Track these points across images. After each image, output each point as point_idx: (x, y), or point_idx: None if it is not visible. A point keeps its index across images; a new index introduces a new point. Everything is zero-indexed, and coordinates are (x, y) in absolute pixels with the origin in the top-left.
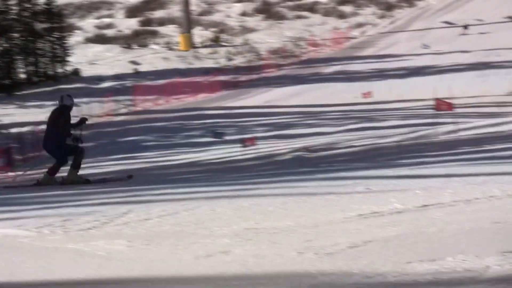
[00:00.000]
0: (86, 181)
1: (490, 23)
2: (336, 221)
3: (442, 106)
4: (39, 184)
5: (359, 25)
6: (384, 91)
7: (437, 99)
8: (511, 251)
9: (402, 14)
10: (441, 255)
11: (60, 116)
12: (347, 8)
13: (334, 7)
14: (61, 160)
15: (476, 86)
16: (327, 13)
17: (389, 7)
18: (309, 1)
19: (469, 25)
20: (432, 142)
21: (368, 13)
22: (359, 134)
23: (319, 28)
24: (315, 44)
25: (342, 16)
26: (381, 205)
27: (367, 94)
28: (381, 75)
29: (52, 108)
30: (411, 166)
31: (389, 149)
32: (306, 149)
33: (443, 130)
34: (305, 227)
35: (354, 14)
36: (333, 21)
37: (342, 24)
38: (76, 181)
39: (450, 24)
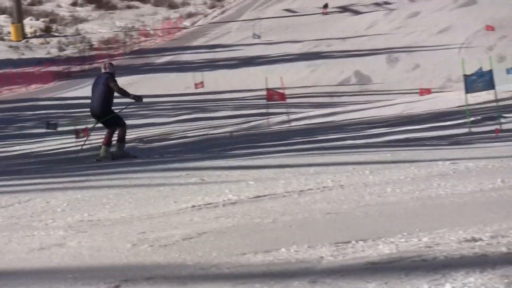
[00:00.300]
0: (133, 156)
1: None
2: (170, 212)
3: (274, 96)
4: (113, 158)
5: (190, 15)
6: (216, 81)
7: (268, 89)
8: (344, 242)
9: (232, 4)
10: (275, 246)
11: (112, 81)
12: None
13: None
14: (112, 126)
15: (307, 76)
16: (157, 3)
17: None
18: None
19: (327, 4)
20: (264, 133)
21: (198, 3)
22: (192, 125)
23: (150, 18)
24: (146, 34)
25: (173, 6)
26: (215, 196)
27: (199, 85)
28: (212, 65)
29: None
30: (244, 157)
31: (222, 139)
32: (140, 140)
33: (276, 121)
34: (140, 219)
35: (185, 4)
36: (164, 11)
37: (173, 14)
38: (125, 155)
39: (290, 11)
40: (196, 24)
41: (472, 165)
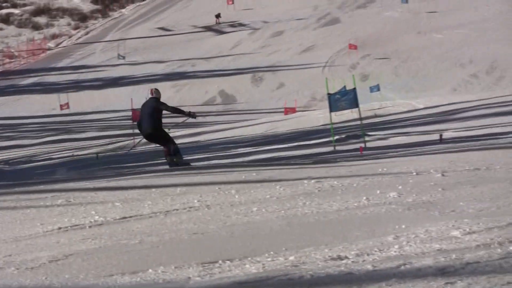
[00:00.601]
0: (188, 163)
1: (186, 33)
2: (37, 235)
3: (137, 116)
4: (177, 165)
5: (54, 36)
6: (81, 102)
7: (134, 110)
8: (211, 262)
9: (96, 25)
10: (142, 267)
11: (160, 104)
12: (41, 19)
13: (28, 18)
14: (165, 141)
15: (172, 96)
16: (21, 24)
17: (84, 18)
18: (2, 12)
19: (219, 14)
20: (130, 153)
21: (63, 24)
22: (58, 146)
23: (14, 40)
24: (10, 56)
25: (37, 27)
26: (81, 217)
27: (64, 106)
28: (77, 86)
29: None
30: (109, 178)
31: (88, 160)
32: (5, 162)
33: (141, 141)
34: (5, 242)
35: (49, 25)
36: (28, 33)
37: (37, 35)
38: (184, 163)
39: (165, 29)
40: (60, 46)
41: (337, 184)
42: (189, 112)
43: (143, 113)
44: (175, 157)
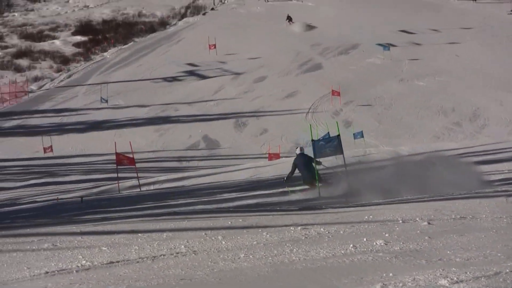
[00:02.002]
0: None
1: (167, 77)
2: (24, 279)
3: (123, 160)
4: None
5: (37, 78)
6: (65, 145)
7: (117, 154)
8: None
9: (79, 68)
10: None
11: (311, 159)
12: (23, 62)
13: (10, 60)
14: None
15: (156, 141)
16: (3, 66)
17: (66, 61)
18: None
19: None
20: (115, 197)
21: (45, 66)
22: (42, 189)
23: None
24: None
25: (19, 69)
26: (68, 262)
27: (47, 149)
28: (60, 129)
29: None
30: (95, 222)
31: (73, 204)
32: None
33: (126, 185)
34: None
35: (31, 67)
36: (10, 75)
37: (19, 77)
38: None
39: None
40: (42, 88)
41: (324, 231)
42: (320, 162)
43: (302, 168)
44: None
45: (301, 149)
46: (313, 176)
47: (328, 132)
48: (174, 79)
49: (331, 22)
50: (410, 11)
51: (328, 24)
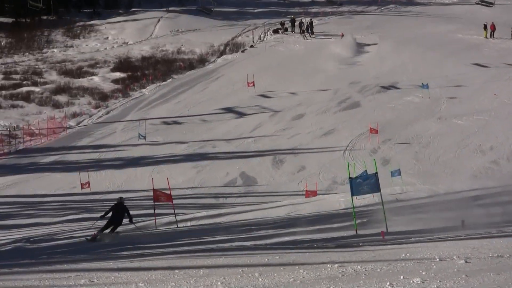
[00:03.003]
0: None
1: (207, 114)
2: None
3: (160, 197)
4: None
5: (75, 115)
6: (102, 181)
7: (155, 190)
8: None
9: (117, 104)
10: None
11: None
12: (62, 98)
13: (48, 96)
14: None
15: (193, 177)
16: (42, 102)
17: (104, 97)
18: (23, 89)
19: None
20: (152, 234)
21: (83, 103)
22: (79, 225)
23: (34, 117)
24: (31, 134)
25: (57, 106)
26: None
27: (85, 185)
28: (98, 165)
29: None
30: (132, 258)
31: (109, 239)
32: (27, 239)
33: (163, 221)
34: None
35: (70, 104)
36: (48, 111)
37: (57, 113)
38: None
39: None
40: (81, 124)
41: (360, 268)
42: None
43: None
44: None
45: None
46: None
47: (366, 170)
48: (212, 115)
49: (371, 61)
50: (455, 52)
51: (368, 63)
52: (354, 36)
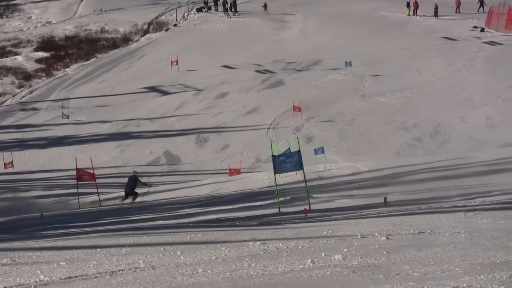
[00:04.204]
0: None
1: (130, 93)
2: None
3: (84, 176)
4: None
5: None
6: (26, 161)
7: (78, 169)
8: None
9: (40, 84)
10: None
11: None
12: None
13: None
14: None
15: (117, 156)
16: None
17: (28, 77)
18: None
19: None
20: (75, 213)
21: (6, 82)
22: (2, 205)
23: None
24: None
25: None
26: (27, 277)
27: (8, 165)
28: (21, 145)
29: None
30: (55, 238)
31: (33, 220)
32: None
33: (86, 201)
34: None
35: None
36: None
37: None
38: None
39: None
40: (4, 104)
41: (283, 246)
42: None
43: None
44: None
45: None
46: None
47: (289, 148)
48: (136, 94)
49: (296, 40)
50: (378, 30)
51: (292, 41)
52: (279, 14)
